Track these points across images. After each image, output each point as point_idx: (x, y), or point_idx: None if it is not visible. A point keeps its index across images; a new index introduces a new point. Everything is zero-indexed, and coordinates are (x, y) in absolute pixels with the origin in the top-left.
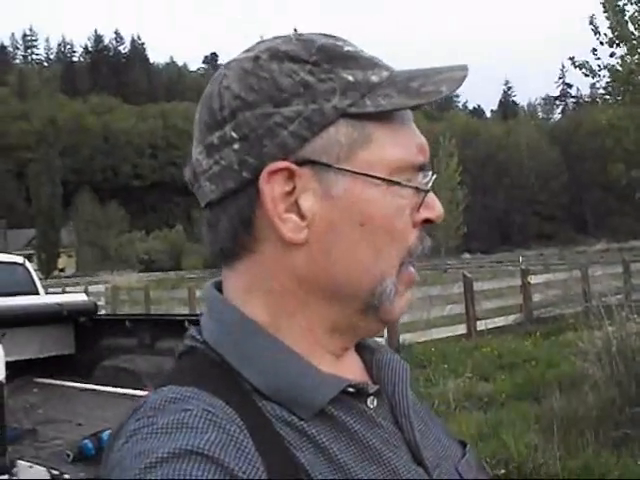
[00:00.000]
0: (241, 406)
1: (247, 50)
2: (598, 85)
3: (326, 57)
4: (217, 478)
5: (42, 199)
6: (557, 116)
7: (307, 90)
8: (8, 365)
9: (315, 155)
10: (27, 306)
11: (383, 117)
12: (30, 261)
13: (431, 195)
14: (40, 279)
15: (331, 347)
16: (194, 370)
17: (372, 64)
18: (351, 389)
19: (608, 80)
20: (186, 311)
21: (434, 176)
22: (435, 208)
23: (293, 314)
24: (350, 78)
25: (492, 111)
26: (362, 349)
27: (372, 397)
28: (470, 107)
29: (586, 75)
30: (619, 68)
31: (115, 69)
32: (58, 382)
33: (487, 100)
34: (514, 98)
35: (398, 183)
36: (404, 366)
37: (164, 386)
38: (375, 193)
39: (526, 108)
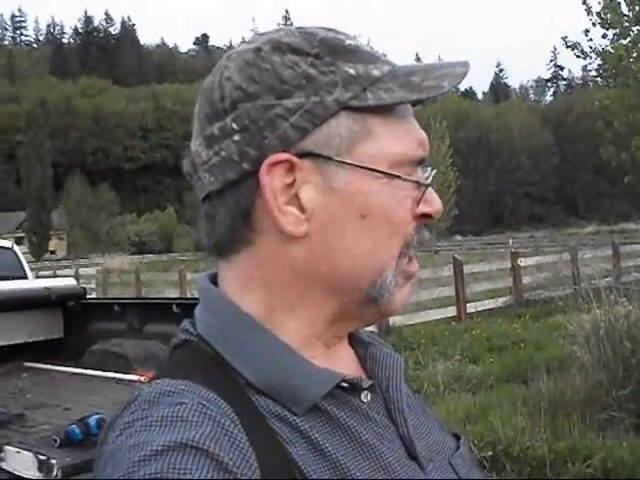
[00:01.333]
0: (235, 400)
1: (248, 42)
2: (590, 67)
3: (328, 50)
4: (211, 471)
5: (32, 182)
6: (549, 98)
7: (309, 82)
8: None
9: (316, 147)
10: (15, 291)
11: (384, 111)
12: (21, 244)
13: (431, 190)
14: (31, 262)
15: (326, 338)
16: (188, 363)
17: (373, 58)
18: (345, 384)
19: (599, 62)
20: (177, 294)
21: (434, 171)
22: (434, 203)
23: (292, 308)
24: (352, 71)
25: (484, 93)
26: (356, 343)
27: (366, 391)
28: (462, 89)
29: (578, 56)
30: (611, 50)
31: (105, 51)
32: (47, 366)
33: (479, 82)
34: (506, 80)
35: (398, 177)
36: (398, 360)
37: (158, 379)
38: (376, 186)
39: (518, 90)
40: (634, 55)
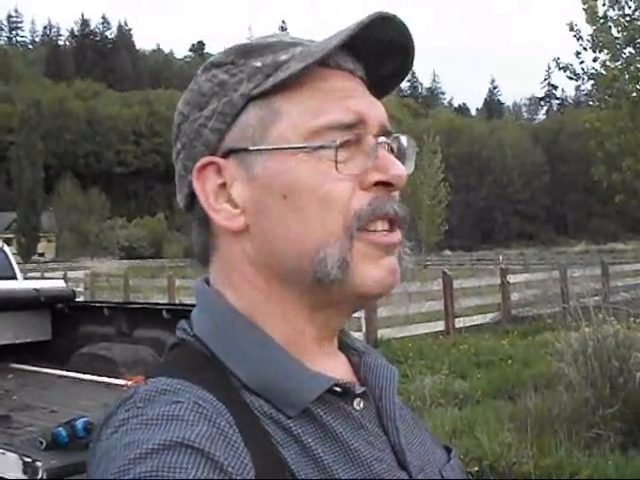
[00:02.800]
0: (230, 401)
1: None
2: (582, 87)
3: (241, 54)
4: (206, 471)
5: (23, 183)
6: (541, 117)
7: (221, 88)
8: None
9: (234, 143)
10: (4, 291)
11: (292, 90)
12: (9, 245)
13: (387, 157)
14: (19, 263)
15: (314, 335)
16: (184, 363)
17: (290, 45)
18: (337, 388)
19: (592, 84)
20: (165, 300)
21: (392, 138)
22: (388, 170)
23: (263, 304)
24: (258, 64)
25: (477, 109)
26: (350, 351)
27: (359, 399)
28: (455, 105)
29: (570, 78)
30: (603, 72)
31: (101, 54)
32: (34, 368)
33: (473, 98)
34: (499, 97)
35: (304, 148)
36: (392, 370)
37: (154, 377)
38: (291, 163)
39: (511, 108)
40: (626, 77)
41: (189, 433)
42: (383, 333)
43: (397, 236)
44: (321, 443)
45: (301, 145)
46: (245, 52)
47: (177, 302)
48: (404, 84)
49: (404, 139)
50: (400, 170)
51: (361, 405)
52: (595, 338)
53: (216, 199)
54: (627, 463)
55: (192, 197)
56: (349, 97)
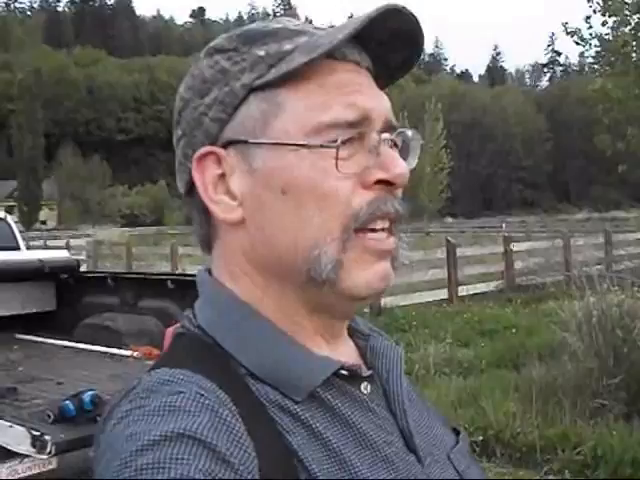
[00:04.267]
0: (234, 390)
1: None
2: (587, 54)
3: (245, 40)
4: (208, 462)
5: (24, 151)
6: (545, 84)
7: (223, 75)
8: None
9: (234, 134)
10: (8, 262)
11: (295, 83)
12: (11, 213)
13: (389, 155)
14: (21, 232)
15: (317, 329)
16: (188, 353)
17: (295, 33)
18: (344, 372)
19: (598, 49)
20: (168, 268)
21: (396, 134)
22: (390, 169)
23: (262, 298)
24: (261, 53)
25: (480, 76)
26: (356, 334)
27: (366, 383)
28: (458, 71)
29: (577, 43)
30: (611, 37)
31: (100, 21)
32: (39, 339)
33: (475, 65)
34: (502, 64)
35: (306, 145)
36: (398, 352)
37: (158, 368)
38: (292, 159)
39: (514, 74)
40: (634, 44)
41: (191, 424)
42: (387, 301)
43: (392, 242)
44: (330, 427)
45: (303, 142)
46: (248, 38)
47: (180, 270)
48: None
49: (409, 132)
50: (402, 169)
51: (368, 389)
52: (599, 308)
53: (214, 190)
54: (631, 433)
55: (192, 185)
56: (354, 92)
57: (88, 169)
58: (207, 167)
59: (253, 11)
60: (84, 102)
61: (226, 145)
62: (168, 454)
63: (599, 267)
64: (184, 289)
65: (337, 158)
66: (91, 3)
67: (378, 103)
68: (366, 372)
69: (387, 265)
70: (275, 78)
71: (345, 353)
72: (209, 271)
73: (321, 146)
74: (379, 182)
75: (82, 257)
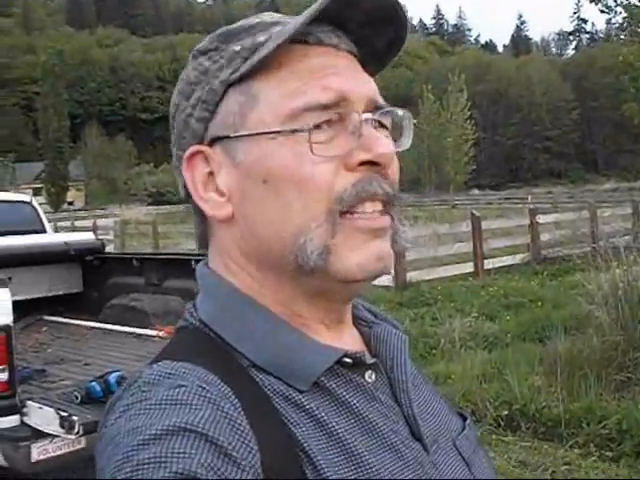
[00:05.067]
0: (237, 382)
1: None
2: (614, 21)
3: (224, 39)
4: (210, 456)
5: (50, 133)
6: (571, 52)
7: (205, 75)
8: (18, 304)
9: (218, 131)
10: (35, 245)
11: (269, 72)
12: (39, 195)
13: (372, 135)
14: (49, 213)
15: (318, 316)
16: (190, 346)
17: (272, 24)
18: (348, 359)
19: (624, 17)
20: (194, 245)
21: (380, 114)
22: (372, 148)
23: (259, 291)
24: (237, 48)
25: (504, 46)
26: (359, 322)
27: (370, 371)
28: (482, 42)
29: (602, 11)
30: (637, 3)
31: (122, 1)
32: (67, 320)
33: (500, 35)
34: (527, 33)
35: (280, 132)
36: (402, 339)
37: (159, 361)
38: (270, 148)
39: (539, 43)
40: None
41: (193, 417)
42: (412, 275)
43: (386, 220)
44: (335, 416)
45: (278, 129)
46: (227, 37)
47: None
48: (429, 21)
49: (399, 112)
50: (385, 148)
51: (373, 377)
52: (625, 280)
53: (204, 188)
54: None
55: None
56: (329, 75)
57: (114, 149)
58: (196, 166)
59: None
60: (108, 82)
61: (212, 143)
62: (170, 448)
63: (626, 238)
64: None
65: (310, 141)
66: None
67: (357, 84)
68: (370, 360)
69: (383, 244)
70: (248, 70)
71: (348, 341)
72: (207, 265)
73: (292, 131)
74: (364, 164)
75: (109, 237)
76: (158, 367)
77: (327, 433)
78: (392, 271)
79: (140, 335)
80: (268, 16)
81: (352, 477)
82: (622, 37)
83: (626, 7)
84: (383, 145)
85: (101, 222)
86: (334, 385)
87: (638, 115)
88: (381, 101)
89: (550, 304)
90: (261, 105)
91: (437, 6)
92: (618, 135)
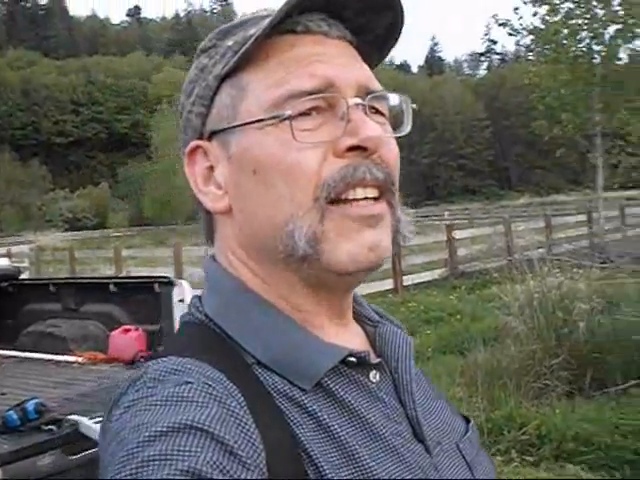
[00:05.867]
0: (242, 380)
1: None
2: (522, 42)
3: (221, 36)
4: (215, 454)
5: None
6: (482, 72)
7: (202, 72)
8: None
9: (214, 125)
10: None
11: (256, 63)
12: None
13: (359, 119)
14: None
15: (322, 309)
16: (195, 342)
17: (264, 17)
18: (352, 358)
19: (532, 38)
20: (112, 271)
21: (370, 98)
22: (358, 133)
23: (260, 284)
24: (230, 43)
25: (419, 67)
26: (364, 321)
27: (375, 371)
28: (397, 62)
29: (510, 34)
30: (542, 27)
31: (33, 21)
32: None
33: (414, 56)
34: (440, 54)
35: (264, 120)
36: (407, 340)
37: (165, 356)
38: (257, 137)
39: (452, 64)
40: (565, 32)
41: (198, 415)
42: None
43: (380, 207)
44: (337, 418)
45: (261, 117)
46: (223, 33)
47: (125, 273)
48: None
49: (395, 98)
50: (372, 131)
51: (377, 377)
52: (540, 290)
53: (204, 182)
54: (573, 410)
55: None
56: (314, 62)
57: (27, 174)
58: (197, 161)
59: (190, 8)
60: (20, 106)
61: (210, 137)
62: (175, 445)
63: (540, 251)
64: (127, 292)
65: (292, 127)
66: (23, 3)
67: (345, 70)
68: (375, 359)
69: (377, 233)
70: (236, 62)
71: (353, 340)
72: (214, 259)
73: (274, 117)
74: (352, 149)
75: (25, 264)
76: (164, 363)
77: (329, 435)
78: None
79: (59, 362)
80: (264, 11)
81: (352, 479)
82: (530, 58)
83: (531, 30)
84: (370, 129)
85: (16, 249)
86: (337, 385)
87: (547, 132)
88: (375, 87)
89: (469, 317)
90: (249, 96)
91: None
92: (529, 152)
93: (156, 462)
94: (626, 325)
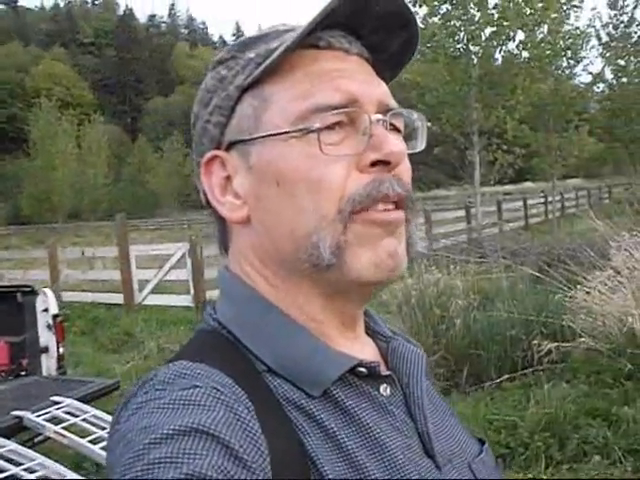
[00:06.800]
0: (251, 386)
1: None
2: None
3: (241, 47)
4: (220, 458)
5: None
6: None
7: (221, 83)
8: None
9: (234, 135)
10: None
11: (281, 75)
12: None
13: (382, 134)
14: None
15: (334, 320)
16: (206, 347)
17: (285, 32)
18: (362, 369)
19: None
20: None
21: (391, 115)
22: (382, 147)
23: (275, 294)
24: (251, 55)
25: None
26: (377, 336)
27: (385, 385)
28: None
29: None
30: (422, 27)
31: None
32: None
33: None
34: None
35: (290, 132)
36: (420, 355)
37: (176, 361)
38: (282, 149)
39: None
40: (444, 32)
41: (205, 418)
42: (212, 294)
43: (400, 213)
44: (345, 428)
45: (286, 130)
46: (243, 45)
47: None
48: (229, 38)
49: (412, 114)
50: (395, 146)
51: (388, 391)
52: (418, 288)
53: (221, 192)
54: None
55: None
56: (338, 77)
57: None
58: (214, 172)
59: None
60: None
61: (228, 147)
62: (181, 448)
63: (420, 246)
64: None
65: (320, 141)
66: None
67: (367, 87)
68: (385, 372)
69: (395, 242)
70: (260, 73)
71: (364, 352)
72: (228, 269)
73: (301, 130)
74: (375, 164)
75: None
76: (174, 366)
77: (335, 444)
78: (191, 290)
79: None
80: (281, 25)
81: None
82: None
83: None
84: (393, 144)
85: None
86: (345, 396)
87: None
88: (392, 104)
89: None
90: (273, 107)
91: (237, 23)
92: None
93: (162, 465)
94: (500, 320)
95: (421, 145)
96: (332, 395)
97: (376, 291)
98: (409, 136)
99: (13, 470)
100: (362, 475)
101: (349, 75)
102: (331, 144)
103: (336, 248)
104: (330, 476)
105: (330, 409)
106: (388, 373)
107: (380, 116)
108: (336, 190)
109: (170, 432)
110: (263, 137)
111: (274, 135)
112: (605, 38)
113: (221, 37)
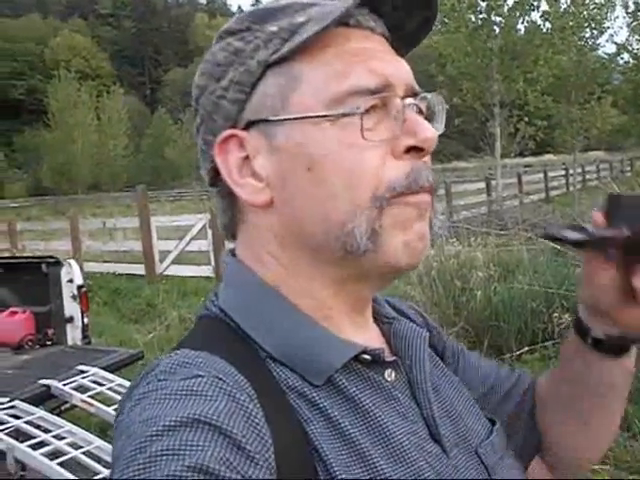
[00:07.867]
0: (254, 374)
1: None
2: None
3: (256, 19)
4: (222, 449)
5: None
6: None
7: (237, 56)
8: None
9: (254, 114)
10: None
11: (312, 53)
12: None
13: (416, 120)
14: None
15: (343, 307)
16: (209, 335)
17: (308, 5)
18: (366, 356)
19: None
20: (7, 244)
21: (420, 99)
22: (418, 133)
23: (288, 280)
24: (274, 29)
25: None
26: (380, 318)
27: (390, 370)
28: None
29: None
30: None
31: None
32: None
33: None
34: None
35: (327, 116)
36: (422, 336)
37: (178, 350)
38: (315, 133)
39: None
40: (465, 4)
41: (207, 409)
42: None
43: (430, 198)
44: (348, 416)
45: (324, 113)
46: (260, 17)
47: (20, 247)
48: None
49: (432, 97)
50: (431, 132)
51: (392, 376)
52: (438, 259)
53: (239, 173)
54: None
55: (215, 172)
56: (372, 58)
57: None
58: (230, 151)
59: None
60: None
61: (247, 126)
62: (183, 440)
63: (440, 218)
64: (13, 273)
65: (362, 127)
66: None
67: (397, 69)
68: (390, 357)
69: (425, 225)
70: (289, 51)
71: (369, 338)
72: (233, 254)
73: (343, 115)
74: (409, 150)
75: None
76: (176, 356)
77: (339, 433)
78: (213, 261)
79: None
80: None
81: (362, 479)
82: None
83: None
84: (429, 129)
85: None
86: (349, 383)
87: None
88: (416, 86)
89: None
90: (304, 87)
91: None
92: None
93: (164, 457)
94: (520, 292)
95: (441, 128)
96: (336, 383)
97: (395, 277)
98: (429, 118)
99: (43, 436)
100: (367, 463)
101: (380, 56)
102: (368, 129)
103: (372, 234)
104: (334, 464)
105: (334, 397)
106: (393, 359)
107: (412, 100)
108: (373, 177)
109: (172, 424)
110: (292, 119)
111: (308, 117)
112: (632, 7)
113: (240, 7)
